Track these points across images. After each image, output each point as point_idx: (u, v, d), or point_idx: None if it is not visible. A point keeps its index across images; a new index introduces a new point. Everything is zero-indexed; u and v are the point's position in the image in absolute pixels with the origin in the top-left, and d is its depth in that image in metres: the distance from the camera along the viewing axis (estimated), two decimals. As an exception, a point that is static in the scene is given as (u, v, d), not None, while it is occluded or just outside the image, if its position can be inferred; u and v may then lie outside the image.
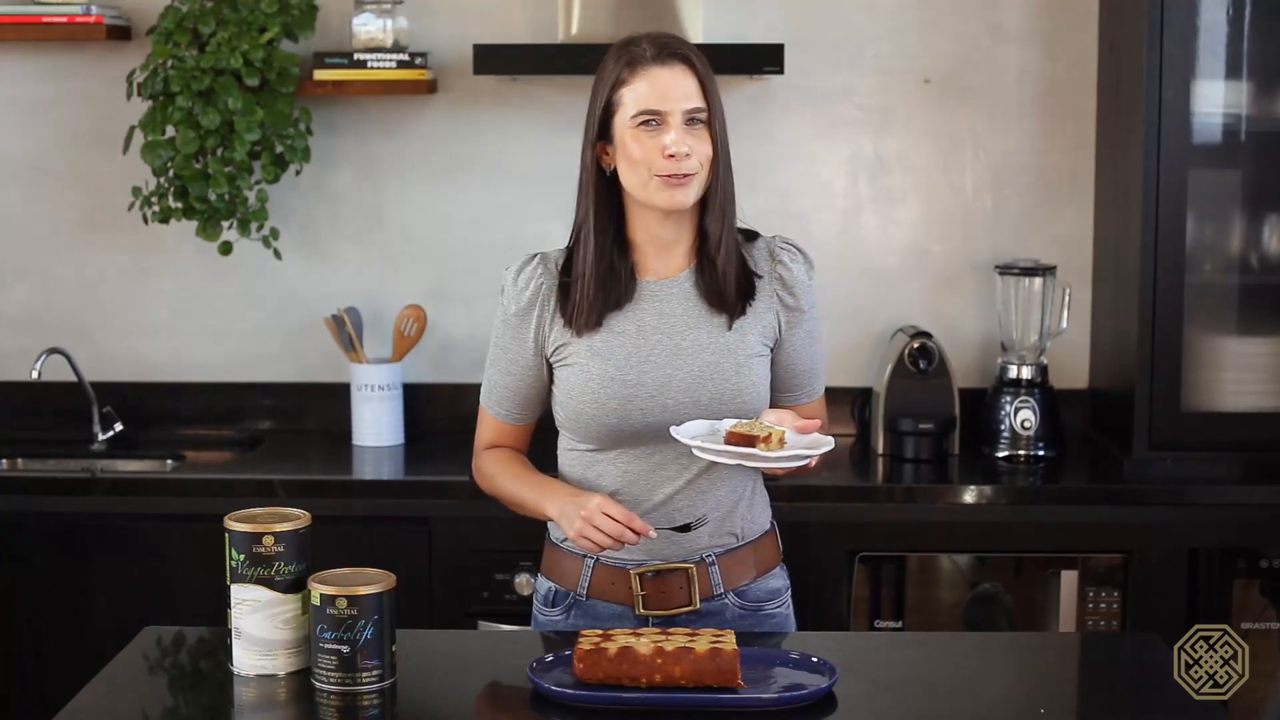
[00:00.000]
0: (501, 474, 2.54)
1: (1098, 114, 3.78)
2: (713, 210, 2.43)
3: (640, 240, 2.47)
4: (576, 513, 2.35)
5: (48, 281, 3.92)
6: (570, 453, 2.51)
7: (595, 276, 2.43)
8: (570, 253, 2.48)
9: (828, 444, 2.33)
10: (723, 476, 2.46)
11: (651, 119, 2.37)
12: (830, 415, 2.63)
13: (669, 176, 2.37)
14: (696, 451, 2.30)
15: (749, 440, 2.28)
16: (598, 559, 2.47)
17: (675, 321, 2.45)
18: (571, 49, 3.60)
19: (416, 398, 3.84)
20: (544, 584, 2.55)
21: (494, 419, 2.56)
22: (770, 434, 2.29)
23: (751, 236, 2.53)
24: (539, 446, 2.61)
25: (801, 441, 2.33)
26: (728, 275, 2.45)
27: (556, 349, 2.47)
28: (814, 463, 2.35)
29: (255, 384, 3.92)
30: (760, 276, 2.48)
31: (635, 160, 2.38)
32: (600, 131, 2.43)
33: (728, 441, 2.30)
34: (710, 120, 2.40)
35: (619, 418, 2.42)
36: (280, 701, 2.17)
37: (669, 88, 2.37)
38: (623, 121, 2.39)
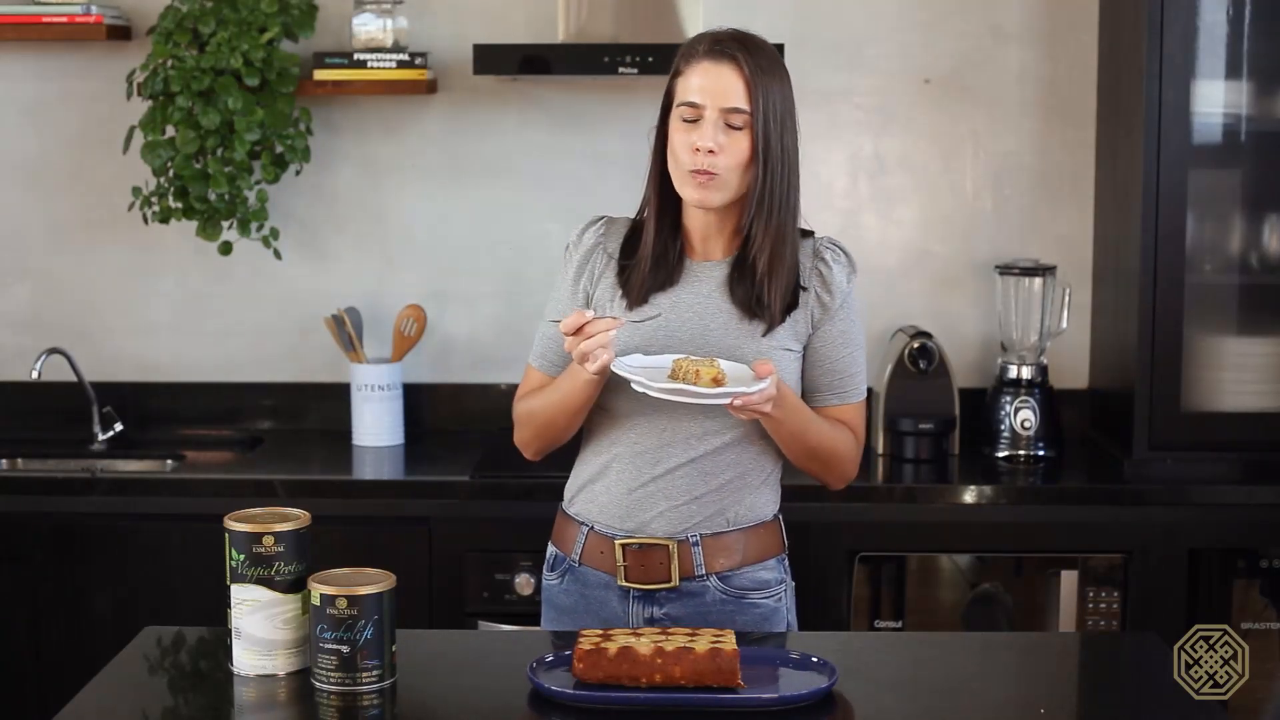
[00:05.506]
0: (536, 396, 2.54)
1: (1098, 114, 3.78)
2: (749, 209, 2.45)
3: (689, 224, 2.52)
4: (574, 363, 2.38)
5: (48, 281, 3.92)
6: (592, 411, 2.53)
7: (650, 259, 2.49)
8: (633, 225, 2.55)
9: (758, 385, 2.30)
10: (729, 462, 2.48)
11: (691, 112, 2.41)
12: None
13: (696, 172, 2.41)
14: (635, 386, 2.32)
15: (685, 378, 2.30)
16: (592, 527, 2.50)
17: (709, 304, 2.48)
18: (571, 49, 3.61)
19: (416, 398, 3.83)
20: (551, 550, 2.61)
21: (540, 374, 2.57)
22: (699, 371, 2.29)
23: (805, 234, 2.54)
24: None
25: (738, 380, 2.33)
26: (768, 284, 2.46)
27: (595, 308, 2.52)
28: (768, 408, 2.33)
29: (255, 384, 3.92)
30: (805, 290, 2.50)
31: (674, 151, 2.44)
32: (663, 118, 2.48)
33: (671, 376, 2.32)
34: (752, 123, 2.41)
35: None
36: (280, 701, 2.17)
37: (710, 84, 2.41)
38: (673, 112, 2.45)
